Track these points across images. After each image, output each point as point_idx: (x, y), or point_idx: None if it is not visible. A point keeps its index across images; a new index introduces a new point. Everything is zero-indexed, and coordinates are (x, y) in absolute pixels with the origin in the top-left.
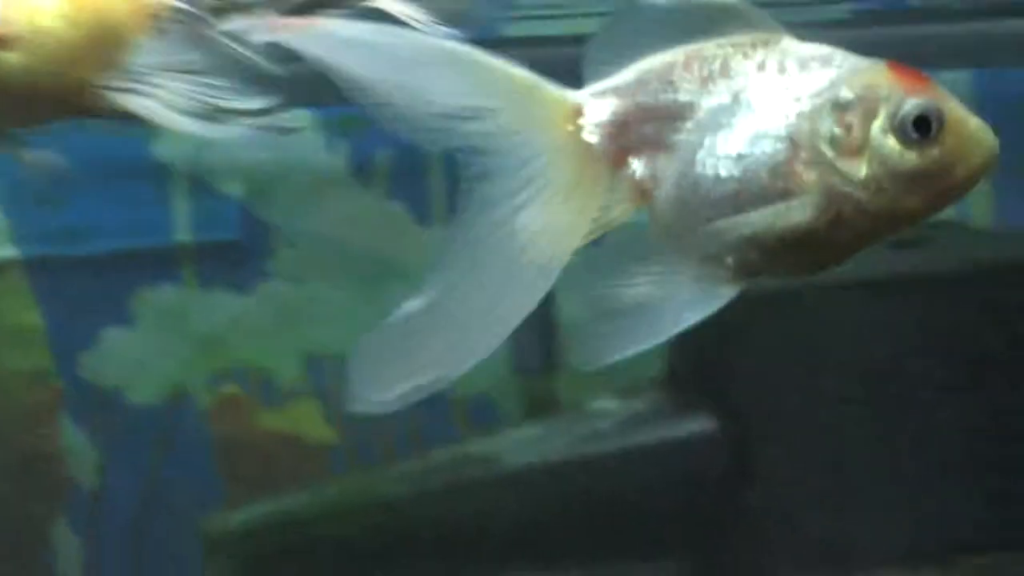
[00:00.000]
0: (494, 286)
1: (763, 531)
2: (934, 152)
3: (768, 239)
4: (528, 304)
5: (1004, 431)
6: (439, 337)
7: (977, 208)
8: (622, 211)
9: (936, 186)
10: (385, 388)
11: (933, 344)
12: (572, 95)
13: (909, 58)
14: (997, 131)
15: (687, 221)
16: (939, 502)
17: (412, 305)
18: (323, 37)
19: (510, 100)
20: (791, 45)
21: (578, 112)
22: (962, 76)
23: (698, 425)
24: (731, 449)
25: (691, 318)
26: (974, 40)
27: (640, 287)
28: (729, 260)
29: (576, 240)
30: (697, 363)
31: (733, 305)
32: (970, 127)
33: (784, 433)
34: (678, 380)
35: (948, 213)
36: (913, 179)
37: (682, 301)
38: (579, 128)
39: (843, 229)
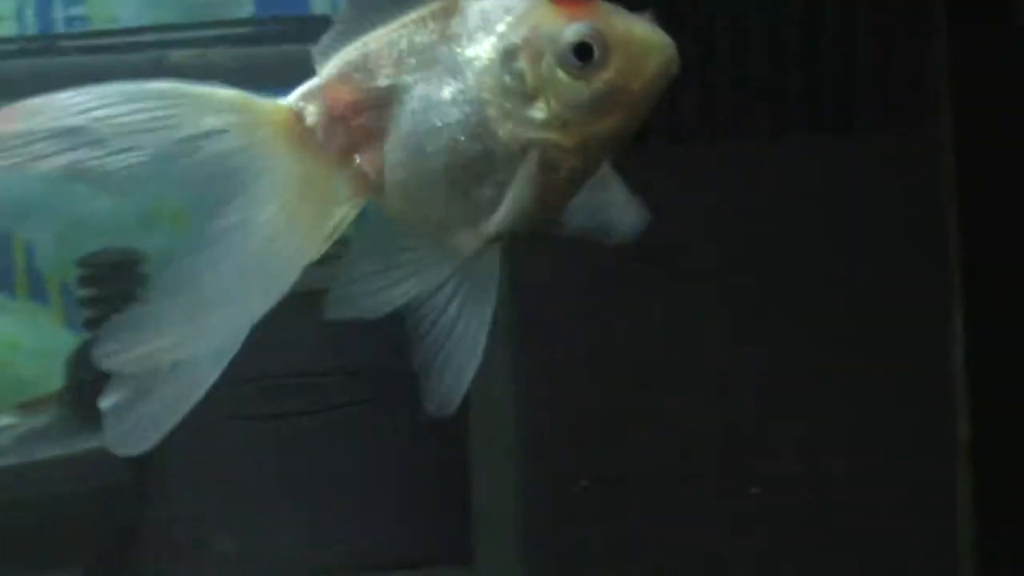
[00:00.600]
0: (231, 286)
1: (165, 545)
2: (604, 74)
3: (479, 202)
4: (262, 306)
5: (411, 448)
6: (173, 326)
7: None
8: (351, 206)
9: (621, 104)
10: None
11: (342, 359)
12: (280, 102)
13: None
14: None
15: (415, 202)
16: (347, 519)
17: (151, 297)
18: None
19: (220, 121)
20: (471, 4)
21: (290, 117)
22: None
23: (99, 440)
24: (130, 464)
25: (433, 274)
26: None
27: (400, 279)
28: (463, 229)
29: (313, 243)
30: (98, 378)
31: None
32: (636, 37)
33: (185, 448)
34: (81, 395)
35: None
36: (594, 106)
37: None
38: (292, 133)
39: (552, 172)
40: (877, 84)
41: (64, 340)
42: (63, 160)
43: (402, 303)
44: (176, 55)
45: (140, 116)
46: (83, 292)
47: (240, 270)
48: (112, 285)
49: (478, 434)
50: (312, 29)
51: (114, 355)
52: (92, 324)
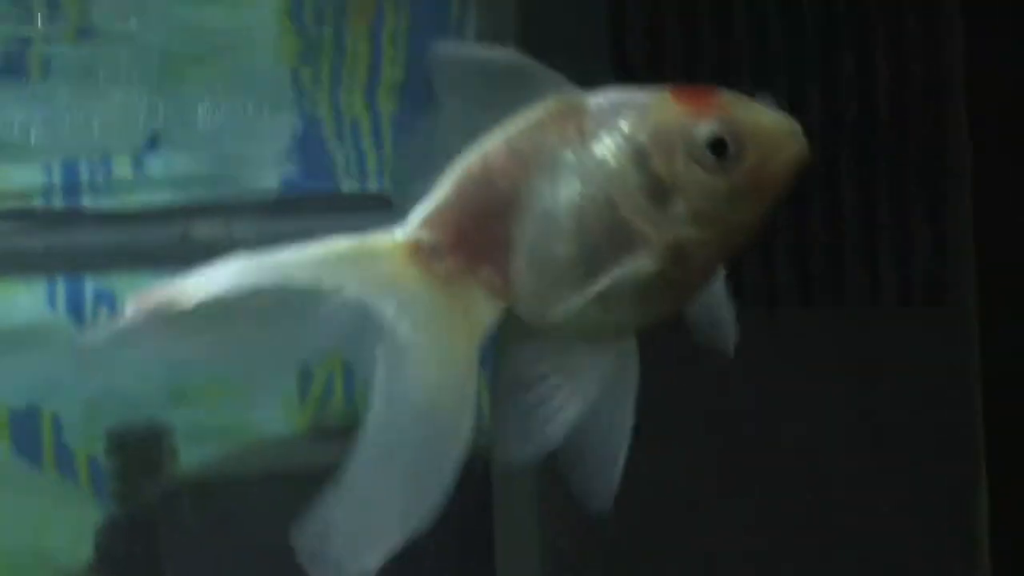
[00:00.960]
0: (417, 447)
1: None
2: (741, 167)
3: (624, 297)
4: (456, 449)
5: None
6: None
7: None
8: (489, 316)
9: (758, 194)
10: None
11: None
12: (396, 235)
13: None
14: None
15: (550, 308)
16: None
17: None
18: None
19: (341, 274)
20: (586, 102)
21: (409, 249)
22: None
23: None
24: None
25: (592, 390)
26: None
27: (548, 385)
28: (602, 325)
29: (469, 365)
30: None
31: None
32: (768, 126)
33: None
34: (111, 568)
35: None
36: (732, 199)
37: (583, 377)
38: (414, 264)
39: (689, 266)
40: (901, 263)
41: (93, 514)
42: (197, 344)
43: (577, 420)
44: (200, 229)
45: (267, 291)
46: (111, 465)
47: (419, 417)
48: (141, 458)
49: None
50: (338, 204)
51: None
52: (120, 498)
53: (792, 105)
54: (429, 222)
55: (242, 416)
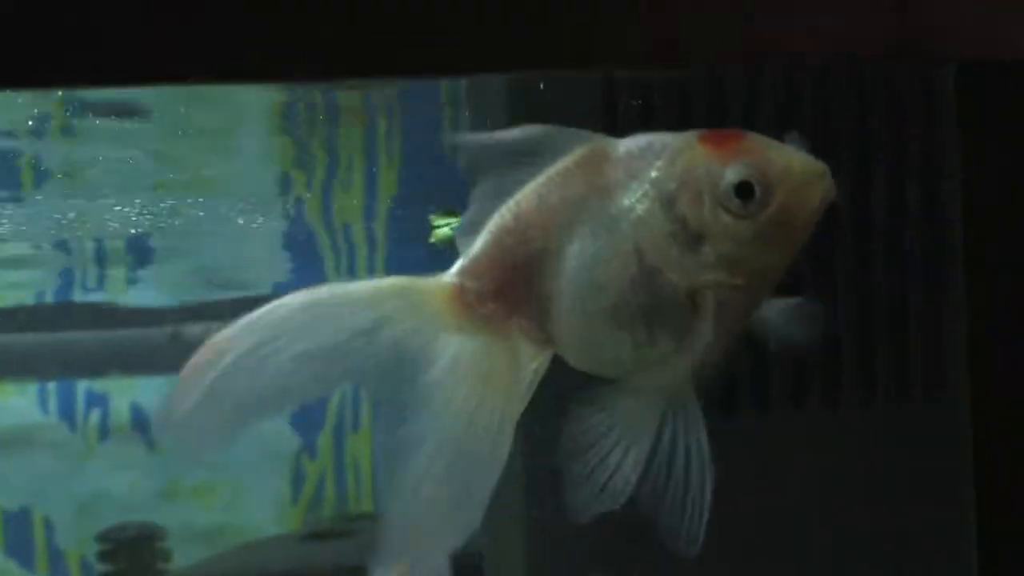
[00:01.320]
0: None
1: None
2: (769, 211)
3: (652, 348)
4: (490, 479)
5: None
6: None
7: None
8: (531, 362)
9: (787, 235)
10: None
11: None
12: (442, 280)
13: None
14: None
15: (589, 354)
16: None
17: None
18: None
19: (387, 308)
20: (611, 149)
21: (453, 294)
22: None
23: None
24: None
25: (646, 432)
26: None
27: (622, 455)
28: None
29: (508, 405)
30: None
31: None
32: (795, 170)
33: None
34: None
35: (368, 507)
36: (760, 242)
37: (635, 420)
38: (457, 308)
39: (725, 308)
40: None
41: None
42: (259, 383)
43: (638, 472)
44: (192, 329)
45: (320, 323)
46: (103, 567)
47: (457, 454)
48: (133, 560)
49: None
50: None
51: None
52: None
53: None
54: (471, 270)
55: (234, 517)
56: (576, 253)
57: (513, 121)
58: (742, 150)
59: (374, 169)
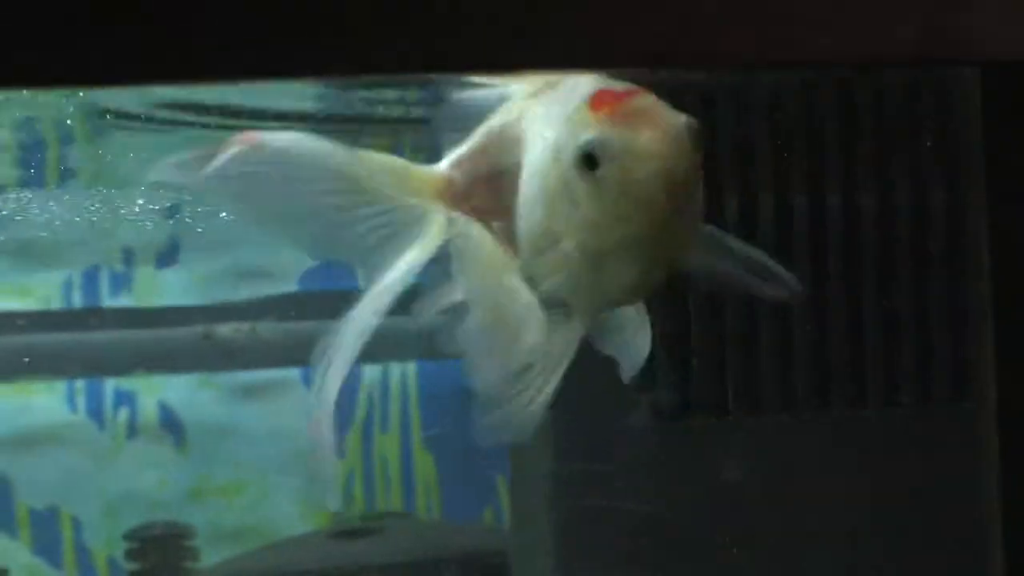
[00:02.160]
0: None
1: None
2: (612, 182)
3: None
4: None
5: None
6: None
7: (425, 501)
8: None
9: (638, 208)
10: None
11: None
12: (434, 168)
13: None
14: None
15: (529, 269)
16: None
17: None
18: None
19: (389, 180)
20: (569, 85)
21: (443, 181)
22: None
23: None
24: None
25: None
26: None
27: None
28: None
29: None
30: None
31: None
32: (639, 145)
33: None
34: None
35: (397, 505)
36: (611, 210)
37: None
38: (445, 194)
39: (607, 272)
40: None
41: None
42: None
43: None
44: (224, 329)
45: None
46: (131, 566)
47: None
48: (160, 559)
49: None
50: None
51: None
52: None
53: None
54: (457, 166)
55: (262, 515)
56: (522, 172)
57: None
58: (616, 112)
59: None
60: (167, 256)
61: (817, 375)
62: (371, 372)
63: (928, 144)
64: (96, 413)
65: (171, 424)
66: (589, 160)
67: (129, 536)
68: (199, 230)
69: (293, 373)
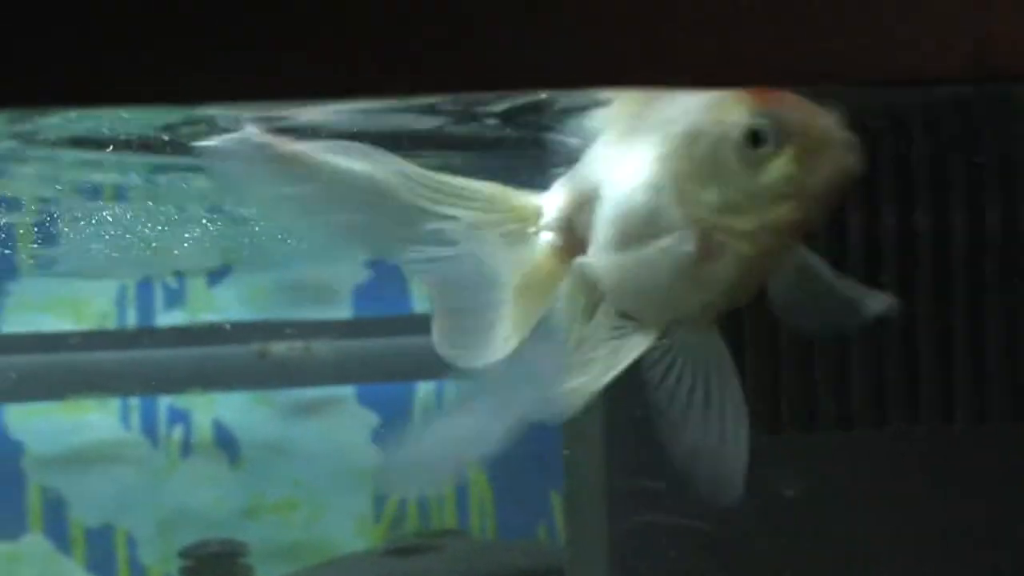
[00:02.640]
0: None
1: None
2: (777, 163)
3: (660, 282)
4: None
5: None
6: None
7: (479, 518)
8: (587, 296)
9: (794, 195)
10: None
11: None
12: (531, 198)
13: None
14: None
15: (627, 296)
16: None
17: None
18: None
19: (481, 209)
20: (675, 101)
21: (534, 212)
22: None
23: None
24: None
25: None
26: None
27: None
28: (649, 315)
29: (526, 324)
30: None
31: None
32: (813, 129)
33: None
34: None
35: (451, 522)
36: (767, 195)
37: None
38: (538, 227)
39: (728, 262)
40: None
41: None
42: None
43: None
44: (278, 347)
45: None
46: None
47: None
48: None
49: None
50: (410, 326)
51: None
52: None
53: None
54: (555, 193)
55: (316, 533)
56: (617, 188)
57: None
58: (773, 103)
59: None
60: (219, 271)
61: (872, 390)
62: (426, 388)
63: (986, 159)
64: (150, 431)
65: (226, 442)
66: (754, 138)
67: (184, 554)
68: (250, 243)
69: (347, 391)
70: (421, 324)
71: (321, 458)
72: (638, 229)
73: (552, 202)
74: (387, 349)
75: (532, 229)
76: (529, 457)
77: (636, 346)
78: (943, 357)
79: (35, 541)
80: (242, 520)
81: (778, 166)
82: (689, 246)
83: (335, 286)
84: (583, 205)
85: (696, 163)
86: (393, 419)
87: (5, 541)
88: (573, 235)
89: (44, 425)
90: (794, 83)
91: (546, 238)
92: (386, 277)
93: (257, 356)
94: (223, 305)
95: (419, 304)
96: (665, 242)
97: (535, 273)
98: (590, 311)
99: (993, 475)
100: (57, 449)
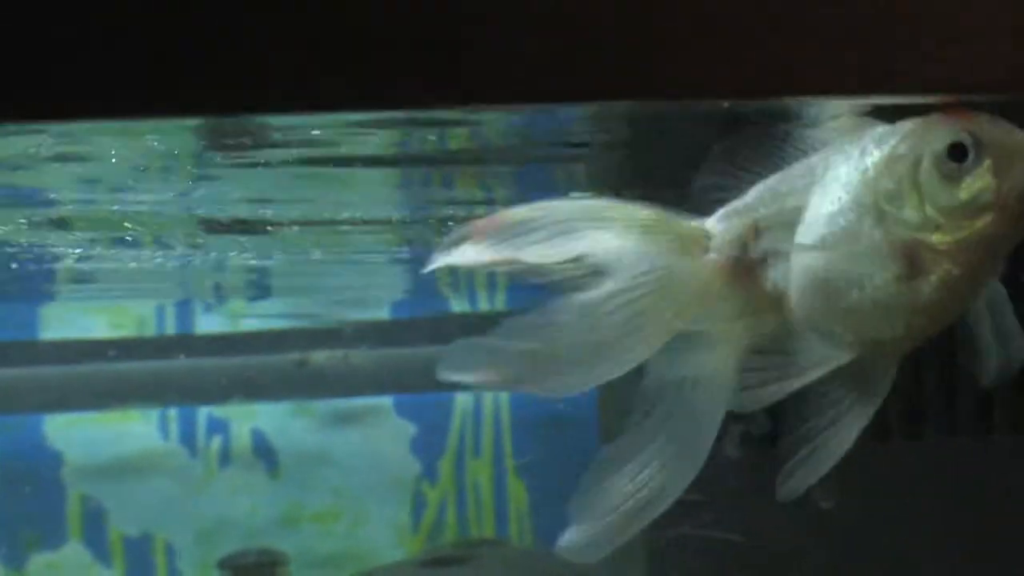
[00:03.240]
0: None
1: None
2: (978, 176)
3: (864, 305)
4: (712, 428)
5: None
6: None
7: (518, 528)
8: (767, 322)
9: (995, 207)
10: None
11: None
12: (696, 224)
13: None
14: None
15: (819, 316)
16: None
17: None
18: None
19: (650, 240)
20: (879, 127)
21: (701, 237)
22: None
23: None
24: None
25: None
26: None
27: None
28: (848, 336)
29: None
30: None
31: None
32: (1011, 142)
33: None
34: None
35: (489, 532)
36: (967, 208)
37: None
38: (707, 251)
39: (931, 280)
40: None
41: None
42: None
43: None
44: (318, 356)
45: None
46: None
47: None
48: None
49: None
50: (449, 328)
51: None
52: None
53: None
54: (724, 218)
55: (355, 543)
56: (818, 211)
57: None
58: (969, 119)
59: (491, 195)
60: (260, 291)
61: (911, 403)
62: (464, 398)
63: None
64: (189, 440)
65: (264, 451)
66: (954, 153)
67: (223, 563)
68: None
69: (386, 401)
70: (458, 323)
71: (360, 467)
72: (841, 250)
73: (724, 227)
74: (424, 354)
75: (700, 255)
76: (568, 465)
77: (823, 364)
78: None
79: (74, 550)
80: (280, 530)
81: (980, 178)
82: (896, 263)
83: (372, 296)
84: (761, 231)
85: (899, 181)
86: (431, 429)
87: (45, 551)
88: (745, 261)
89: (83, 435)
90: (837, 93)
91: (716, 263)
92: (421, 282)
93: (296, 366)
94: (262, 312)
95: (456, 304)
96: (872, 260)
97: (699, 299)
98: (773, 329)
99: None
100: (96, 459)
